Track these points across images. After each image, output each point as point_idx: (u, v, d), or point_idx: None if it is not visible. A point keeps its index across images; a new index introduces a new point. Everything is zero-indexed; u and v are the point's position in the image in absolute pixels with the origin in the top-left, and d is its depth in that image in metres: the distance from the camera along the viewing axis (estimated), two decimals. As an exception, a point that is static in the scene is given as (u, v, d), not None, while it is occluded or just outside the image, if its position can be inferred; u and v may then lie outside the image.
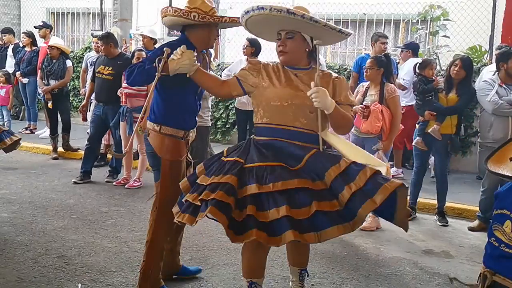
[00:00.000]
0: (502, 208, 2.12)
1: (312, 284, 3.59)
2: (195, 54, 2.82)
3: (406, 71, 6.77)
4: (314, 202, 2.42)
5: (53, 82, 7.32)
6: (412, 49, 7.08)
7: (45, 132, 8.59)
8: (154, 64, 2.86)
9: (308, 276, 3.20)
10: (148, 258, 3.22)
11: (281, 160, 2.56)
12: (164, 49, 2.84)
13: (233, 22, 3.12)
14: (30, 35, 8.93)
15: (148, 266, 3.21)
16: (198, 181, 2.68)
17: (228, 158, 2.67)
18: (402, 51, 7.20)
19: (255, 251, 2.70)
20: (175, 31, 8.59)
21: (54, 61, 7.34)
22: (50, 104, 7.33)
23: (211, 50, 4.09)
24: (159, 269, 3.29)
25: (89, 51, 8.87)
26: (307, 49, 2.72)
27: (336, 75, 2.78)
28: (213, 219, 2.48)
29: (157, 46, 7.43)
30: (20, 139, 4.60)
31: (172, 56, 2.77)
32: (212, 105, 6.99)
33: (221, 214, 2.39)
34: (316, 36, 2.69)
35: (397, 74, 6.69)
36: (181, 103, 3.16)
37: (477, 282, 2.18)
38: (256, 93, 2.79)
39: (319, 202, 2.43)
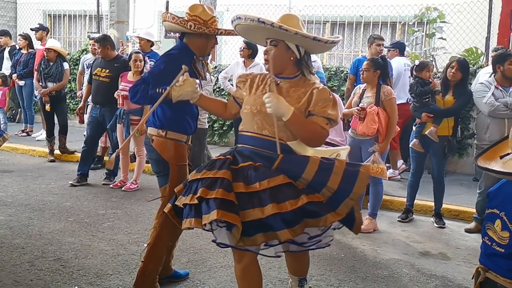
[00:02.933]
0: (493, 208, 2.19)
1: (310, 286, 3.58)
2: (196, 81, 2.85)
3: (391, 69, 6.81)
4: (303, 195, 2.43)
5: (51, 85, 7.30)
6: (398, 48, 7.15)
7: (41, 134, 8.56)
8: (158, 90, 2.92)
9: (306, 283, 3.19)
10: (147, 260, 3.22)
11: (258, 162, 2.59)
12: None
13: (229, 34, 3.23)
14: (26, 37, 8.91)
15: (146, 267, 3.22)
16: (189, 179, 2.69)
17: (219, 157, 2.70)
18: (389, 50, 7.26)
19: (244, 264, 2.67)
20: (172, 33, 8.62)
21: (52, 63, 7.33)
22: (48, 107, 7.32)
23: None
24: (157, 272, 3.29)
25: (85, 54, 8.85)
26: (291, 58, 2.66)
27: (320, 85, 2.67)
28: (205, 229, 2.50)
29: (153, 48, 7.44)
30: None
31: (174, 82, 2.79)
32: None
33: (230, 214, 2.38)
34: (301, 45, 2.66)
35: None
36: (185, 108, 3.20)
37: (472, 278, 2.28)
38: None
39: (307, 195, 2.45)
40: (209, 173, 2.56)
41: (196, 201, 2.49)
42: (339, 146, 6.39)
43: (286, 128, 2.60)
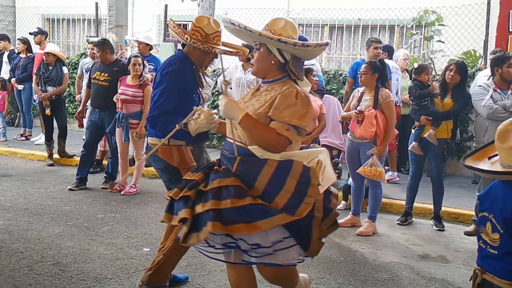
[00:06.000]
0: (483, 211, 2.26)
1: (309, 290, 3.58)
2: (212, 112, 2.87)
3: None
4: (249, 197, 2.40)
5: (50, 89, 7.31)
6: (387, 51, 7.18)
7: (40, 138, 8.56)
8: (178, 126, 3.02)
9: None
10: (169, 254, 3.26)
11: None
12: (194, 108, 2.86)
13: (224, 53, 3.36)
14: (25, 41, 8.92)
15: (165, 261, 3.26)
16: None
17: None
18: None
19: (237, 269, 2.69)
20: (171, 36, 8.61)
21: (51, 67, 7.33)
22: (48, 111, 7.33)
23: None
24: (172, 268, 3.36)
25: (84, 57, 8.86)
26: (273, 62, 2.59)
27: (290, 90, 2.51)
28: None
29: (152, 52, 7.45)
30: None
31: (187, 118, 2.81)
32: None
33: (185, 210, 2.45)
34: (283, 49, 2.56)
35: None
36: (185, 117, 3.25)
37: (470, 280, 2.34)
38: None
39: (254, 198, 2.41)
40: (191, 175, 2.65)
41: (169, 198, 2.61)
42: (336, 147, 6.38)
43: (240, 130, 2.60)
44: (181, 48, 3.47)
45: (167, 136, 2.91)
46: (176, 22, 3.35)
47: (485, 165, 2.28)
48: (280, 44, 2.52)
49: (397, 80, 6.87)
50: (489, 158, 2.30)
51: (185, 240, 2.42)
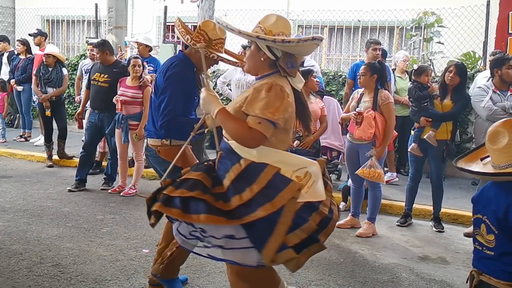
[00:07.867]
0: (477, 213, 2.27)
1: (309, 291, 3.58)
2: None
3: None
4: (198, 191, 2.43)
5: (50, 90, 7.31)
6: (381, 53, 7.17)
7: (39, 140, 8.56)
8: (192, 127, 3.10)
9: None
10: (181, 248, 3.26)
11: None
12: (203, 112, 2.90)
13: (222, 60, 3.40)
14: (24, 42, 8.92)
15: (177, 254, 3.28)
16: None
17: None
18: None
19: (235, 268, 2.67)
20: (170, 38, 8.60)
21: (51, 69, 7.33)
22: (48, 112, 7.33)
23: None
24: (183, 261, 3.38)
25: (84, 59, 8.87)
26: (263, 59, 2.58)
27: (265, 83, 2.50)
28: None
29: (152, 53, 7.45)
30: None
31: (203, 118, 2.88)
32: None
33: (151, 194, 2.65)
34: (272, 46, 2.55)
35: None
36: (188, 120, 3.36)
37: (466, 282, 2.37)
38: None
39: (203, 193, 2.43)
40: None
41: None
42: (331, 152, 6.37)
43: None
44: (181, 49, 3.48)
45: (186, 141, 2.98)
46: (183, 23, 3.37)
47: (477, 166, 2.30)
48: (260, 41, 2.54)
49: (391, 82, 6.88)
50: (482, 159, 2.31)
51: (149, 220, 2.61)
